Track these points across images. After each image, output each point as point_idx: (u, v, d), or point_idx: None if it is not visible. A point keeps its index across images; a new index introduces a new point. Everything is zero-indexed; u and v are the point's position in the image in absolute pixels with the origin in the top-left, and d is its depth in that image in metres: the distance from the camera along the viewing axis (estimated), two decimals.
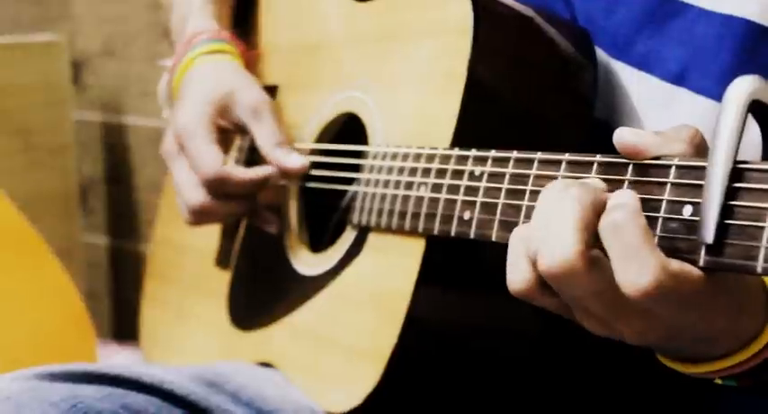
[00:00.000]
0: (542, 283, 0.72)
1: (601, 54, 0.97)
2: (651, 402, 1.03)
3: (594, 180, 0.74)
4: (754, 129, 0.69)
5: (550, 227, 0.70)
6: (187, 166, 1.12)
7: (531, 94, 0.95)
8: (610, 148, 0.74)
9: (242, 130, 1.15)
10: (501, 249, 0.82)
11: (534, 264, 0.71)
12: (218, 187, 1.11)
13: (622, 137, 0.72)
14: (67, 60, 2.15)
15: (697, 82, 0.90)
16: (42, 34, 2.20)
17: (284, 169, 1.10)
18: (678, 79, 0.91)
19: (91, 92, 2.26)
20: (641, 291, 0.66)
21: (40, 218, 1.80)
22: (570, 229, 0.69)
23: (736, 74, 0.85)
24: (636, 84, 0.94)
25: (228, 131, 1.15)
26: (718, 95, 0.88)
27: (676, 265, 0.67)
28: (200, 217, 1.13)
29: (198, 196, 1.11)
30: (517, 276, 0.73)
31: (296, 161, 1.10)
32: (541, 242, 0.70)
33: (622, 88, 0.96)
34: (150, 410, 0.95)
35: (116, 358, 1.99)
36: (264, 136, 1.12)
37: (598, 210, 0.70)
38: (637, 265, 0.66)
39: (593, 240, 0.69)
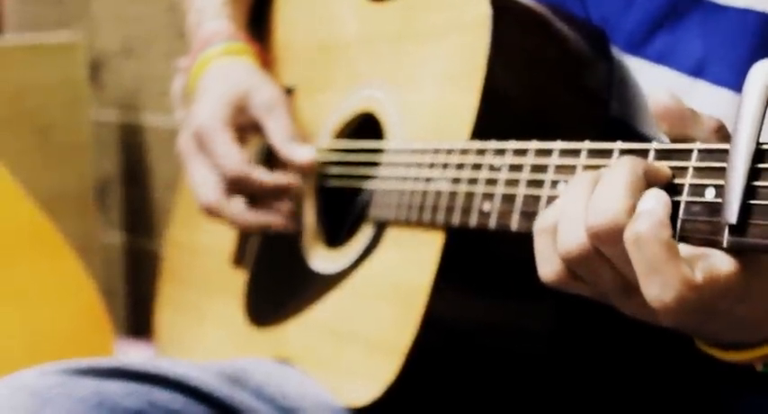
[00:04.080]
0: (573, 270, 0.72)
1: (616, 51, 0.97)
2: (666, 402, 1.03)
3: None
4: None
5: (599, 193, 0.69)
6: (206, 165, 1.13)
7: (547, 91, 0.96)
8: None
9: (257, 129, 1.16)
10: (520, 241, 0.83)
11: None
12: (237, 187, 1.12)
13: (659, 97, 0.70)
14: (86, 60, 2.15)
15: (716, 73, 0.89)
16: (61, 34, 2.21)
17: (293, 162, 1.12)
18: (696, 71, 0.91)
19: (109, 91, 2.27)
20: (665, 306, 0.67)
21: (58, 216, 1.80)
22: (620, 187, 0.69)
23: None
24: (653, 78, 0.94)
25: (245, 131, 1.16)
26: (737, 86, 0.87)
27: (700, 277, 0.67)
28: (209, 215, 1.15)
29: (212, 194, 1.13)
30: (547, 267, 0.74)
31: (304, 155, 1.12)
32: (570, 217, 0.70)
33: (638, 85, 0.96)
34: (175, 407, 0.95)
35: (133, 355, 1.99)
36: (277, 130, 1.13)
37: (646, 177, 0.70)
38: (659, 281, 0.66)
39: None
